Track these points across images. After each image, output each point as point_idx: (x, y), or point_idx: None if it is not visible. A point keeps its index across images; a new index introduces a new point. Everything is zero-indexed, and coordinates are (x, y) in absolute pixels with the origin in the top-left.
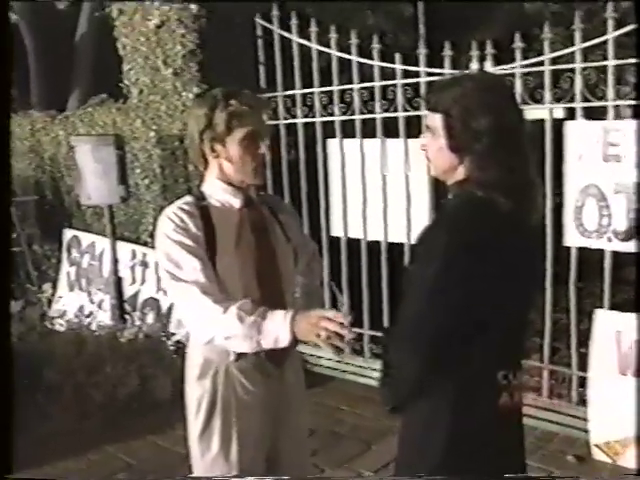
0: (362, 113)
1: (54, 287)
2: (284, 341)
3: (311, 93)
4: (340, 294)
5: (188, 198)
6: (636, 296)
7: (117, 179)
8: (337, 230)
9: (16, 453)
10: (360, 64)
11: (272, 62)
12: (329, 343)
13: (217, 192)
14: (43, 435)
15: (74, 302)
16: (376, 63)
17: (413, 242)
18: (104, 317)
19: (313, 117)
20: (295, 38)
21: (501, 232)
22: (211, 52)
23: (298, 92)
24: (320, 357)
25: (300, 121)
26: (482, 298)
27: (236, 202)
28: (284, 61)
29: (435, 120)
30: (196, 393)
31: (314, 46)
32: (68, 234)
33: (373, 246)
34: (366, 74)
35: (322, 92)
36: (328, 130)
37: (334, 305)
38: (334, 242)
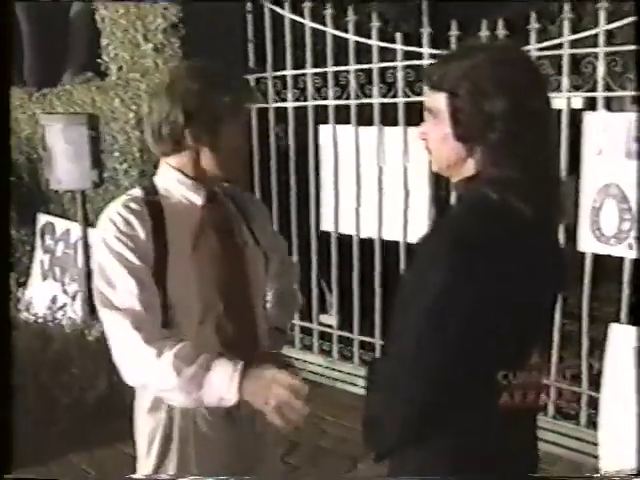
0: (358, 97)
1: (26, 275)
2: (229, 402)
3: (303, 74)
4: (330, 293)
5: (136, 192)
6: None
7: (90, 163)
8: (327, 224)
9: None
10: (357, 43)
11: (262, 39)
12: (278, 414)
13: (173, 184)
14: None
15: (47, 293)
16: (375, 42)
17: (410, 251)
18: (78, 310)
19: (305, 101)
20: (287, 14)
21: (519, 244)
22: (195, 26)
23: (289, 73)
24: (306, 362)
25: (291, 105)
26: (493, 322)
27: (197, 198)
28: (275, 39)
29: (438, 101)
30: (148, 427)
31: (308, 23)
32: (42, 219)
33: (366, 244)
34: (363, 55)
35: (315, 74)
36: (321, 115)
37: (322, 305)
38: (324, 237)
